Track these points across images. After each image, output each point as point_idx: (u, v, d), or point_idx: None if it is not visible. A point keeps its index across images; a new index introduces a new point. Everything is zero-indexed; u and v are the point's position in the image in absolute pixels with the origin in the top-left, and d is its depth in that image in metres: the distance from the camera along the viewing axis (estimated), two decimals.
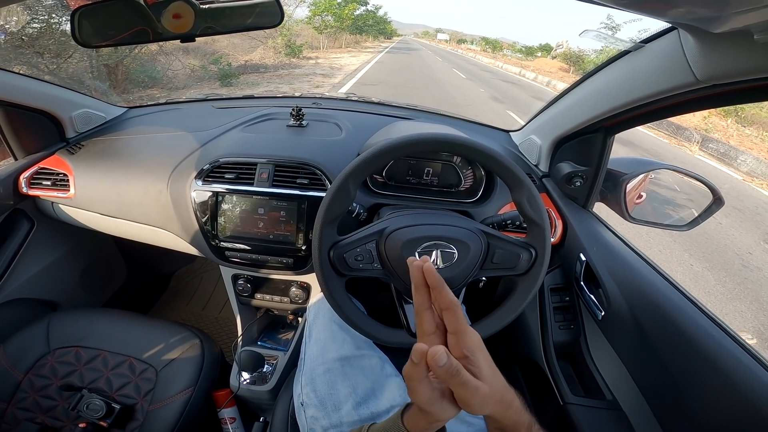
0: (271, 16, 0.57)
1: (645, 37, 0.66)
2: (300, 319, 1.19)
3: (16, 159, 1.06)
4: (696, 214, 0.91)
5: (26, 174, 1.03)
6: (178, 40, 0.56)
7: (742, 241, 3.57)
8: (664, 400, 0.66)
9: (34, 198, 1.07)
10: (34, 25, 5.37)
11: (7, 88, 0.93)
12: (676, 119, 9.04)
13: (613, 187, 0.93)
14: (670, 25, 0.59)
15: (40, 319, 0.97)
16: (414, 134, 0.64)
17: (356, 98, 1.41)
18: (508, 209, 0.92)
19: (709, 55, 0.53)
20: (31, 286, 1.12)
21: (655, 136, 8.48)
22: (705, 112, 9.83)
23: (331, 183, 0.66)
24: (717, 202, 0.87)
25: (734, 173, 6.32)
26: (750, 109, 10.66)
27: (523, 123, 1.20)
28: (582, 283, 0.87)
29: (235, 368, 1.03)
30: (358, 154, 0.66)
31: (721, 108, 10.48)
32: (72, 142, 1.11)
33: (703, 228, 3.59)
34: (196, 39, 0.56)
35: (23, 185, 1.02)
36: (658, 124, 8.99)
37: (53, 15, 5.40)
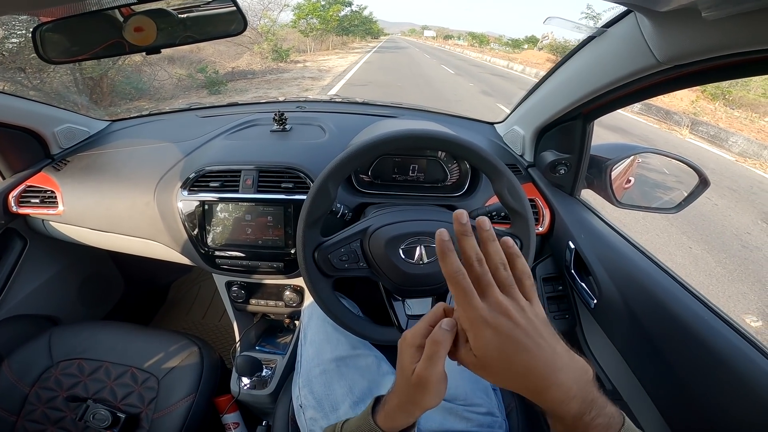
0: (234, 24, 0.57)
1: (605, 22, 0.66)
2: (297, 322, 1.19)
3: (3, 178, 1.06)
4: (684, 196, 0.90)
5: (14, 193, 1.02)
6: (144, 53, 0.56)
7: (739, 222, 3.57)
8: (661, 387, 0.64)
9: (25, 216, 1.07)
10: (13, 40, 5.19)
11: None
12: (664, 104, 9.09)
13: (598, 173, 0.92)
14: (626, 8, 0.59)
15: (42, 334, 0.98)
16: (389, 132, 0.64)
17: (340, 99, 1.41)
18: (494, 201, 0.93)
19: (665, 36, 0.53)
20: (30, 302, 1.12)
21: (645, 122, 8.51)
22: (692, 96, 9.90)
23: None
24: (702, 183, 0.86)
25: (726, 155, 6.34)
26: (737, 91, 10.76)
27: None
28: (573, 271, 0.86)
29: (234, 374, 1.04)
30: None
31: (707, 91, 10.55)
32: (57, 158, 1.11)
33: (699, 210, 3.55)
34: (163, 50, 0.56)
35: (12, 204, 1.02)
36: (647, 109, 9.03)
37: (30, 29, 5.21)
